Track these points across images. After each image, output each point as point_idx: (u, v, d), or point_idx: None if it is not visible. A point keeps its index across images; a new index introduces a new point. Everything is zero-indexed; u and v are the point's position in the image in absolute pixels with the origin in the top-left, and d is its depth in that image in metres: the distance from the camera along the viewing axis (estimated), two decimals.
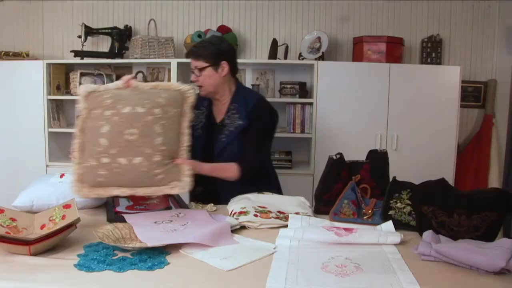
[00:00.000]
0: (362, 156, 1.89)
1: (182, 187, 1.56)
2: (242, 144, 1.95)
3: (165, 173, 1.58)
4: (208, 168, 1.87)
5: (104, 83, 3.32)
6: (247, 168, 1.92)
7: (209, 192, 1.96)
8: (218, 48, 1.95)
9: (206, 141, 2.02)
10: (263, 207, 1.70)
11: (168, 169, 1.59)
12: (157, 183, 1.56)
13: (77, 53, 3.36)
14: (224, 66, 1.96)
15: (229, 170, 1.91)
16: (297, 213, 1.64)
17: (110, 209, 1.69)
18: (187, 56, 2.01)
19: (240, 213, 1.63)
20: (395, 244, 1.38)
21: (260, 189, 1.92)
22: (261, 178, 2.03)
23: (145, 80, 3.42)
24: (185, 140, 1.68)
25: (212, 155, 1.98)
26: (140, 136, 1.55)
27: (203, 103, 2.08)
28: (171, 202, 1.80)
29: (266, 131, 2.02)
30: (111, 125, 1.54)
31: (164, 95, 1.63)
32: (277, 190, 2.11)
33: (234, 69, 2.02)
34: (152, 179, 1.55)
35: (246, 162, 1.93)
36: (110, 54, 3.39)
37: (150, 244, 1.30)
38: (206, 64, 1.93)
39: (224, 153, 1.96)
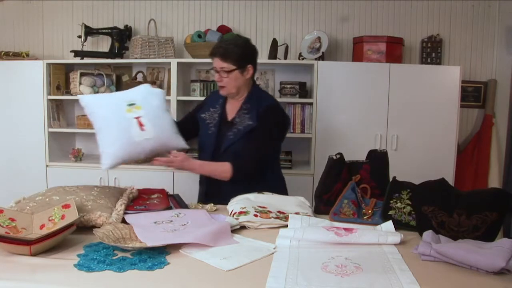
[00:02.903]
0: (362, 156, 1.90)
1: (107, 218, 1.52)
2: (244, 144, 1.96)
3: (94, 205, 1.56)
4: (199, 165, 1.92)
5: (104, 83, 3.33)
6: (240, 168, 1.93)
7: (213, 193, 1.97)
8: (246, 51, 1.98)
9: (216, 139, 2.03)
10: (263, 207, 1.70)
11: (100, 204, 1.58)
12: (87, 211, 1.53)
13: (77, 53, 3.36)
14: (250, 70, 1.99)
15: (221, 169, 1.93)
16: (297, 213, 1.64)
17: None
18: (213, 55, 1.98)
19: (240, 213, 1.63)
20: (395, 244, 1.38)
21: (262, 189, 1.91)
22: (265, 181, 2.03)
23: (145, 80, 3.42)
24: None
25: (219, 152, 1.99)
26: (78, 189, 1.66)
27: (218, 101, 2.10)
28: (171, 202, 1.80)
29: (270, 134, 2.01)
30: (53, 191, 1.67)
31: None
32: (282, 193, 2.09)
33: (255, 71, 2.05)
34: (81, 208, 1.52)
35: (241, 162, 1.93)
36: (110, 54, 3.39)
37: (150, 244, 1.30)
38: (234, 67, 1.95)
39: (229, 151, 1.97)
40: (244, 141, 1.96)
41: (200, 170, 1.97)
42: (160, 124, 1.82)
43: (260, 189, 1.90)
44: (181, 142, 1.90)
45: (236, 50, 1.95)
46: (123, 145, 1.73)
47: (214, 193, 1.99)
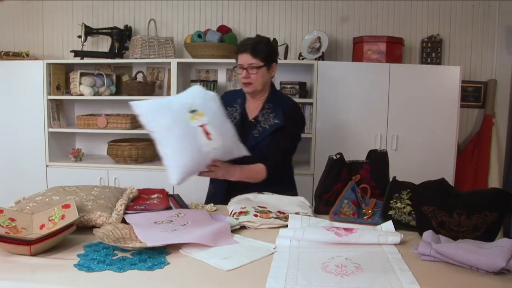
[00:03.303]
0: (362, 156, 1.89)
1: (107, 218, 1.51)
2: (271, 143, 1.97)
3: (94, 205, 1.56)
4: (239, 170, 1.86)
5: (104, 83, 3.33)
6: (273, 167, 1.94)
7: (238, 189, 1.94)
8: (272, 49, 2.02)
9: (240, 137, 2.00)
10: (263, 207, 1.70)
11: (100, 204, 1.57)
12: (87, 211, 1.52)
13: (77, 53, 3.36)
14: (274, 68, 2.03)
15: (257, 170, 1.92)
16: (297, 213, 1.64)
17: None
18: (242, 51, 1.96)
19: (240, 213, 1.63)
20: (395, 244, 1.38)
21: (280, 190, 1.92)
22: (282, 179, 2.07)
23: (145, 80, 3.42)
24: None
25: None
26: (78, 189, 1.65)
27: (236, 101, 2.10)
28: (171, 202, 1.80)
29: (297, 133, 2.06)
30: (53, 191, 1.67)
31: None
32: (293, 192, 2.11)
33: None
34: (81, 208, 1.52)
35: (273, 162, 1.94)
36: (110, 54, 3.40)
37: (150, 244, 1.30)
38: (262, 64, 1.96)
39: (255, 149, 1.96)
40: (269, 140, 1.98)
41: (241, 175, 1.87)
42: (224, 132, 1.72)
43: (281, 189, 1.92)
44: (243, 150, 1.81)
45: (265, 47, 1.98)
46: (193, 157, 1.62)
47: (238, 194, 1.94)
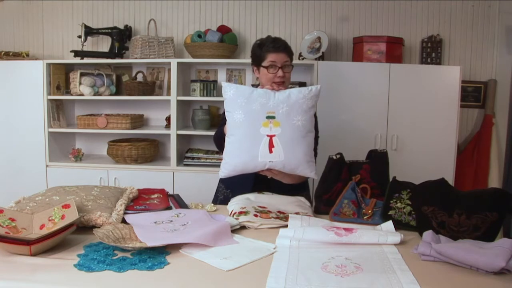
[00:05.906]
0: (362, 156, 1.90)
1: (107, 218, 1.51)
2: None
3: (94, 205, 1.56)
4: (292, 177, 1.82)
5: (104, 83, 3.32)
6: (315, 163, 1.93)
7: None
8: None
9: None
10: (263, 207, 1.70)
11: (99, 204, 1.58)
12: (87, 211, 1.52)
13: (77, 53, 3.36)
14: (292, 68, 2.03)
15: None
16: (297, 213, 1.64)
17: None
18: (278, 50, 1.93)
19: (240, 213, 1.63)
20: (395, 244, 1.39)
21: (301, 187, 1.94)
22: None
23: (145, 80, 3.42)
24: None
25: None
26: (78, 189, 1.66)
27: None
28: (171, 202, 1.80)
29: (317, 124, 2.08)
30: (53, 191, 1.67)
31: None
32: (306, 190, 2.10)
33: None
34: (81, 208, 1.52)
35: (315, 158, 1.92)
36: (110, 54, 3.40)
37: (150, 244, 1.30)
38: (291, 63, 1.98)
39: None
40: None
41: (293, 179, 1.85)
42: (291, 151, 1.68)
43: (303, 186, 1.93)
44: (308, 172, 1.75)
45: (290, 48, 2.00)
46: (246, 162, 1.67)
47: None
